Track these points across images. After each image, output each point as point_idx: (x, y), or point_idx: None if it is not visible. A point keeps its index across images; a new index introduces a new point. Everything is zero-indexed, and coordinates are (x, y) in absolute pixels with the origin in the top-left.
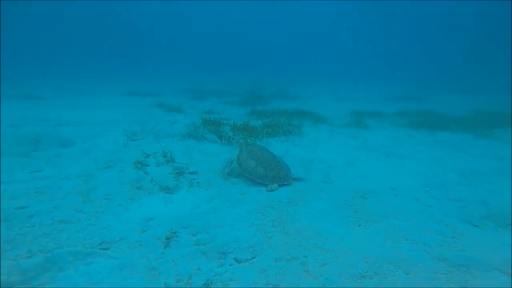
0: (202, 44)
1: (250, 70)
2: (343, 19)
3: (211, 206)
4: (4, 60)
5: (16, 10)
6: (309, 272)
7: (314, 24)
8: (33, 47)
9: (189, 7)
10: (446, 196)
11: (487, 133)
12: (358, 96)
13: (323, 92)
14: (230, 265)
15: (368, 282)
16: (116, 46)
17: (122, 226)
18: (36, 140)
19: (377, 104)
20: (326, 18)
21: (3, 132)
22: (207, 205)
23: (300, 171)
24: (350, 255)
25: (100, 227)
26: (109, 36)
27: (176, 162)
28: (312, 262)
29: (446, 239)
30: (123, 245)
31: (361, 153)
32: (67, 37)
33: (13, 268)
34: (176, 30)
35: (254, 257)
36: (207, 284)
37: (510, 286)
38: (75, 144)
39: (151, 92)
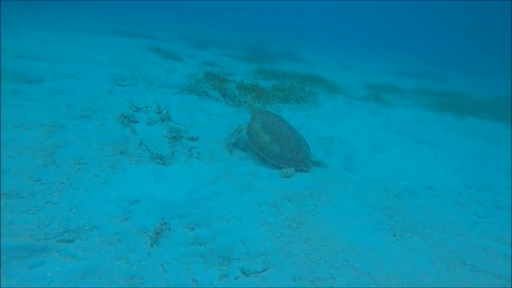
0: None
1: (254, 26)
2: None
3: (214, 190)
4: None
5: None
6: None
7: None
8: None
9: None
10: (494, 203)
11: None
12: (367, 67)
13: (331, 58)
14: (236, 279)
15: None
16: None
17: (96, 209)
18: None
19: (391, 77)
20: None
21: None
22: (209, 188)
23: (319, 152)
24: (391, 281)
25: (63, 207)
26: None
27: (173, 122)
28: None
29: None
30: (94, 238)
31: (386, 136)
32: None
33: None
34: None
35: (266, 270)
36: None
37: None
38: (44, 81)
39: (146, 35)
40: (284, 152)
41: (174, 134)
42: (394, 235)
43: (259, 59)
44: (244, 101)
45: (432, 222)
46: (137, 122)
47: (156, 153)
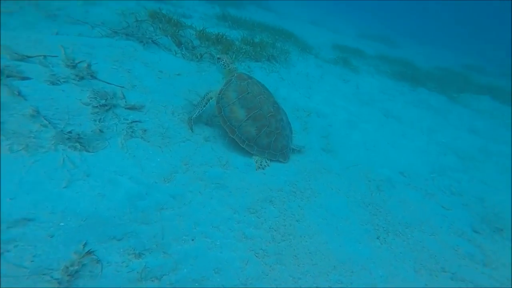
0: None
1: None
2: None
3: (170, 192)
4: None
5: None
6: None
7: None
8: None
9: None
10: (450, 189)
11: (456, 97)
12: (333, 26)
13: (299, 11)
14: None
15: None
16: None
17: None
18: None
19: (354, 40)
20: None
21: None
22: (162, 189)
23: (296, 127)
24: None
25: None
26: None
27: (100, 80)
28: None
29: (479, 267)
30: None
31: (358, 108)
32: None
33: None
34: None
35: None
36: None
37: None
38: None
39: None
40: (261, 136)
41: (103, 100)
42: (378, 238)
43: (222, 1)
44: (218, 58)
45: (411, 221)
46: (29, 78)
47: (69, 132)
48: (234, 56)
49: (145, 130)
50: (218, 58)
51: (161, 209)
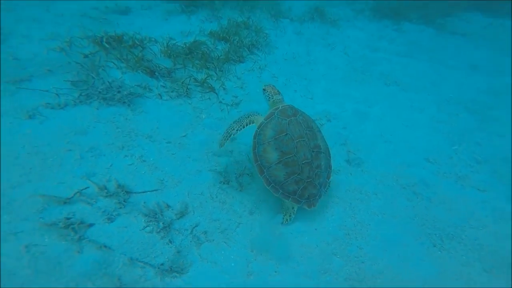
0: None
1: None
2: None
3: (256, 283)
4: None
5: None
6: None
7: None
8: None
9: None
10: (474, 156)
11: (444, 24)
12: None
13: None
14: None
15: None
16: None
17: None
18: None
19: None
20: None
21: None
22: (250, 283)
23: None
24: None
25: None
26: None
27: (135, 193)
28: None
29: None
30: None
31: (359, 88)
32: None
33: None
34: None
35: None
36: None
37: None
38: None
39: None
40: (289, 182)
41: (160, 224)
42: (435, 246)
43: None
44: (264, 89)
45: (456, 218)
46: (90, 225)
47: (162, 264)
48: (217, 71)
49: (205, 232)
50: (264, 90)
51: None
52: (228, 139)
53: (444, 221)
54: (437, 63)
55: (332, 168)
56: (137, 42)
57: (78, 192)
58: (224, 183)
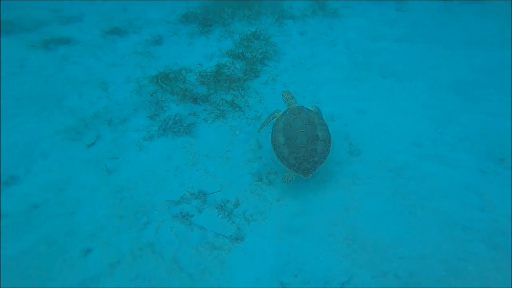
0: None
1: None
2: None
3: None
4: None
5: None
6: None
7: None
8: None
9: None
10: (457, 135)
11: None
12: None
13: None
14: None
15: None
16: None
17: None
18: None
19: None
20: None
21: None
22: None
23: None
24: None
25: None
26: None
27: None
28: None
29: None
30: None
31: (357, 85)
32: None
33: None
34: None
35: None
36: None
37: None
38: None
39: None
40: (290, 158)
41: None
42: (410, 214)
43: None
44: (282, 94)
45: (427, 192)
46: None
47: None
48: (240, 90)
49: (251, 215)
50: (282, 95)
51: None
52: (263, 127)
53: (419, 195)
54: (436, 43)
55: (331, 156)
56: (178, 76)
57: (181, 197)
58: (258, 181)
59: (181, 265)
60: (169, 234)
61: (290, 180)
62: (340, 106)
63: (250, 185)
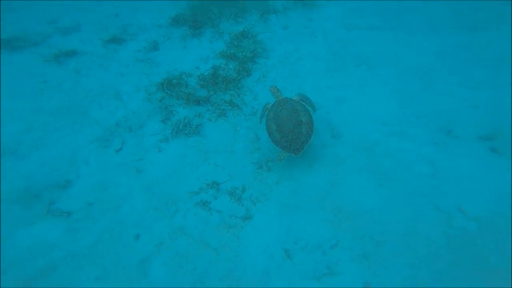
0: None
1: None
2: None
3: None
4: None
5: None
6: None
7: None
8: None
9: None
10: (416, 114)
11: None
12: None
13: None
14: None
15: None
16: None
17: None
18: None
19: None
20: None
21: None
22: None
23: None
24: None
25: None
26: None
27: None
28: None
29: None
30: None
31: (335, 75)
32: None
33: None
34: None
35: None
36: None
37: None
38: None
39: None
40: (282, 141)
41: None
42: (380, 185)
43: None
44: (270, 90)
45: (394, 164)
46: None
47: None
48: (236, 89)
49: (256, 198)
50: (270, 90)
51: None
52: (261, 119)
53: (387, 168)
54: (400, 30)
55: (317, 141)
56: (180, 81)
57: (199, 188)
58: (259, 168)
59: (207, 242)
60: (194, 218)
61: (283, 158)
62: (322, 96)
63: (253, 173)
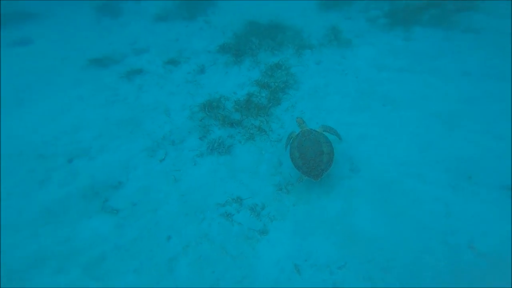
0: None
1: None
2: None
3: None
4: None
5: None
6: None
7: None
8: None
9: None
10: (436, 158)
11: (457, 22)
12: None
13: None
14: None
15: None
16: None
17: None
18: None
19: None
20: None
21: None
22: None
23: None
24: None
25: None
26: None
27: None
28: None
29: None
30: None
31: (361, 114)
32: None
33: None
34: None
35: None
36: None
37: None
38: None
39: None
40: (304, 167)
41: None
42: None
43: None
44: (296, 120)
45: (408, 200)
46: None
47: None
48: (266, 116)
49: (274, 215)
50: (296, 120)
51: None
52: (286, 146)
53: (400, 205)
54: (431, 74)
55: (336, 171)
56: (219, 104)
57: (225, 201)
58: (279, 190)
59: (227, 250)
60: (218, 227)
61: (302, 181)
62: (345, 132)
63: (273, 193)
